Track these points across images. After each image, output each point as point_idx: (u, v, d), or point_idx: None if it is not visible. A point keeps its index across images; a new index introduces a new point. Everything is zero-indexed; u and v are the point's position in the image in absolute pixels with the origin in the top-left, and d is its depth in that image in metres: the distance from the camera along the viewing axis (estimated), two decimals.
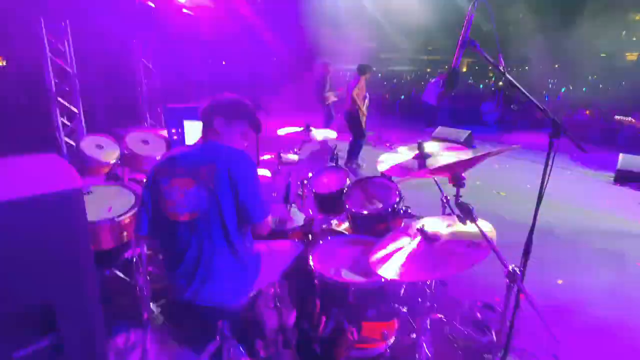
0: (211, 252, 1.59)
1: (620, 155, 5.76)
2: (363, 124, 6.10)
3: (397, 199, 2.28)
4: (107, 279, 2.81)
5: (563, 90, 11.62)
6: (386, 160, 2.13)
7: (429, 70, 19.17)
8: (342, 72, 11.42)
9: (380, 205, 2.32)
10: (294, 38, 11.54)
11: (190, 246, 1.61)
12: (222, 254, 1.60)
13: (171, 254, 1.68)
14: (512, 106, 11.19)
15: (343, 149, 5.99)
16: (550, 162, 1.47)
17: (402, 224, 2.32)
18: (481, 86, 8.37)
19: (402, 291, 2.49)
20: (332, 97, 7.20)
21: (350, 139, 6.19)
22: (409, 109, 12.20)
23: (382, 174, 2.47)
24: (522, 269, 1.54)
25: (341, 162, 3.02)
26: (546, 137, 1.52)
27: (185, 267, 1.65)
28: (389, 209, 2.24)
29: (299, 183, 2.95)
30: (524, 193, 4.85)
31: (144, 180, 1.71)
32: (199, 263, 1.61)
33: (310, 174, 2.93)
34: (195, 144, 1.72)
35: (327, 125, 7.06)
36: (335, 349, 1.74)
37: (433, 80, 10.29)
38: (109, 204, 2.43)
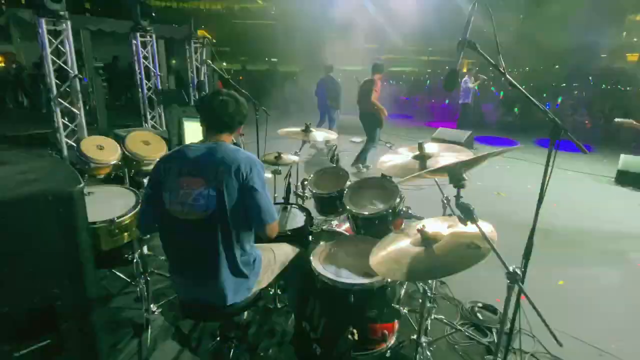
0: (215, 252, 1.58)
1: (621, 156, 5.76)
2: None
3: (398, 200, 2.28)
4: (107, 279, 2.82)
5: (560, 99, 11.55)
6: (387, 161, 2.13)
7: (429, 70, 19.22)
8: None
9: (381, 206, 2.32)
10: None
11: (195, 246, 1.60)
12: (225, 255, 1.59)
13: (175, 253, 1.68)
14: (514, 108, 11.17)
15: (343, 149, 5.97)
16: (551, 163, 1.46)
17: (403, 224, 2.32)
18: (476, 87, 8.24)
19: (403, 292, 2.49)
20: None
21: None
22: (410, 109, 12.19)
23: (383, 175, 2.47)
24: (522, 269, 1.54)
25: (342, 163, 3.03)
26: (546, 138, 1.52)
27: (188, 267, 1.65)
28: (390, 210, 2.23)
29: (299, 183, 2.95)
30: (525, 194, 4.84)
31: (149, 179, 1.69)
32: (202, 263, 1.61)
33: (310, 174, 2.93)
34: (204, 144, 1.66)
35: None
36: (335, 349, 1.74)
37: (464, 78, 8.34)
38: (110, 205, 2.43)
